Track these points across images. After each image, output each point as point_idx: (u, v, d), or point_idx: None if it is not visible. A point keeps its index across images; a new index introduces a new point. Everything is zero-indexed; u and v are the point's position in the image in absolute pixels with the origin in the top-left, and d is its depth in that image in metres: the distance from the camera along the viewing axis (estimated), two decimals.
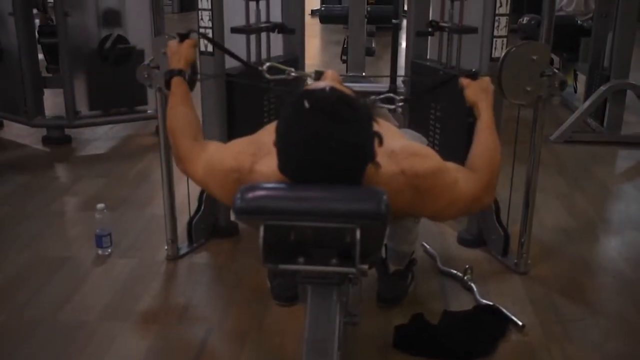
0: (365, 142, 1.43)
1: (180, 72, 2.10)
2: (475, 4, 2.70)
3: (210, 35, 2.64)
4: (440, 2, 2.98)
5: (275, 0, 3.06)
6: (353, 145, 1.40)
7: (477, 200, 1.84)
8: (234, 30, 2.81)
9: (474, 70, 2.22)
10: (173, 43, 2.20)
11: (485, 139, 1.98)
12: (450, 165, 1.80)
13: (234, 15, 2.80)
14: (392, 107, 2.37)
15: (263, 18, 2.95)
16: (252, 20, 2.88)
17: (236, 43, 2.79)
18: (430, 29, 3.01)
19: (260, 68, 2.37)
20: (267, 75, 2.34)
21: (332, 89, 1.46)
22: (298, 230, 1.35)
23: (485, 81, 2.14)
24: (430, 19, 3.07)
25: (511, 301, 2.44)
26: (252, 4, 2.86)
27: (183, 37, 2.19)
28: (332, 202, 1.36)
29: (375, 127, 1.45)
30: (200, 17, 2.66)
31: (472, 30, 2.75)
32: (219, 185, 1.73)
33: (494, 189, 1.92)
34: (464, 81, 2.13)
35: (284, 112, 1.47)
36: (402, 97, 2.43)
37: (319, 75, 2.10)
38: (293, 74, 2.32)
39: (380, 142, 1.43)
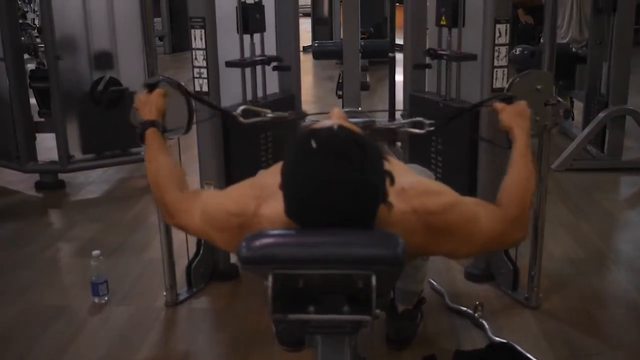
0: (377, 182, 1.36)
1: (153, 123, 1.95)
2: (473, 34, 2.67)
3: (205, 75, 2.60)
4: (437, 33, 2.94)
5: (270, 37, 3.02)
6: (364, 186, 1.33)
7: (503, 236, 1.69)
8: (229, 64, 2.76)
9: (509, 94, 2.13)
10: (141, 94, 2.06)
11: (518, 169, 1.79)
12: (468, 200, 1.67)
13: (228, 52, 2.76)
14: (422, 131, 2.30)
15: (258, 52, 2.91)
16: (247, 55, 2.84)
17: (230, 77, 2.75)
18: (428, 59, 2.97)
19: (234, 113, 2.29)
20: (242, 120, 2.26)
21: (340, 127, 1.39)
22: (309, 278, 1.28)
23: (521, 105, 1.99)
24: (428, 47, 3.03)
25: (524, 337, 2.37)
26: (247, 40, 2.83)
27: (152, 87, 2.07)
28: (345, 248, 1.29)
29: (386, 166, 1.38)
30: (194, 57, 2.62)
31: (472, 57, 2.71)
32: (220, 231, 1.62)
33: (525, 225, 1.73)
34: (498, 105, 2.01)
35: (289, 153, 1.39)
36: (430, 121, 2.31)
37: (299, 114, 2.01)
38: (269, 115, 2.24)
39: (392, 181, 1.36)
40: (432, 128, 2.29)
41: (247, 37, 2.83)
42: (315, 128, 1.39)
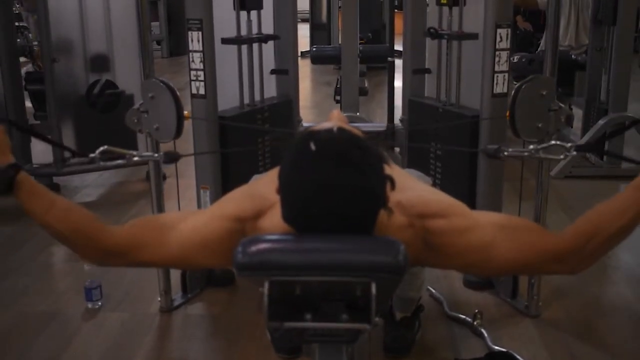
0: (377, 187, 1.31)
1: (17, 166, 1.54)
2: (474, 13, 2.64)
3: (202, 78, 2.57)
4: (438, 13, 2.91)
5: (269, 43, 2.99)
6: (364, 191, 1.29)
7: (530, 266, 1.50)
8: (225, 41, 2.72)
9: None
10: None
11: (617, 202, 1.45)
12: (485, 222, 1.48)
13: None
14: (561, 157, 2.13)
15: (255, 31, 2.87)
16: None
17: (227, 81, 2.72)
18: (428, 40, 2.92)
19: (92, 155, 2.04)
20: (101, 163, 1.99)
21: (340, 129, 1.35)
22: (306, 285, 1.24)
23: None
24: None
25: (524, 346, 2.34)
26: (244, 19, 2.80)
27: None
28: (345, 255, 1.25)
29: (387, 170, 1.34)
30: (191, 59, 2.59)
31: (473, 36, 2.67)
32: (217, 254, 1.47)
33: (576, 264, 1.45)
34: None
35: (288, 156, 1.34)
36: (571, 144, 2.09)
37: (169, 157, 1.87)
38: (136, 158, 1.95)
39: (393, 186, 1.32)
40: (574, 152, 2.07)
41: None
42: (315, 130, 1.35)
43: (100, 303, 2.67)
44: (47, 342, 2.44)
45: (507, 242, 1.45)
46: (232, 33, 2.77)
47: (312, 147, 1.29)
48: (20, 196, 1.54)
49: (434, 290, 2.68)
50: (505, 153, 2.17)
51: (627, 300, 2.71)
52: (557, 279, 2.81)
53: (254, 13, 2.83)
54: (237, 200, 1.54)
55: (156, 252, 1.52)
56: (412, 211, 1.43)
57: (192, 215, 1.57)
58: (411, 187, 1.52)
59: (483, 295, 2.70)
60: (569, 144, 2.06)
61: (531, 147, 2.11)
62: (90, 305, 2.66)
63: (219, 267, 1.49)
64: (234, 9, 2.75)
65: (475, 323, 2.42)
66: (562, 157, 2.11)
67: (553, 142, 2.14)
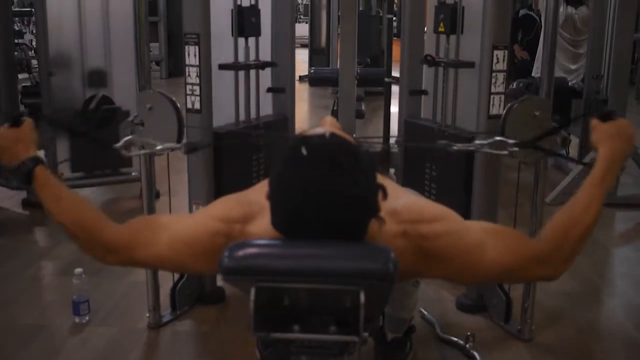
0: (369, 194, 1.29)
1: (39, 160, 1.62)
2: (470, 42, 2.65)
3: (198, 92, 2.56)
4: (435, 40, 2.91)
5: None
6: (355, 198, 1.27)
7: (519, 271, 1.51)
8: (222, 66, 2.72)
9: (609, 109, 1.83)
10: (6, 131, 1.66)
11: (580, 200, 1.52)
12: (475, 228, 1.52)
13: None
14: (505, 152, 2.20)
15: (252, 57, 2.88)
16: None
17: (223, 97, 2.72)
18: (425, 67, 2.92)
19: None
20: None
21: (333, 135, 1.33)
22: (294, 293, 1.21)
23: (618, 125, 1.61)
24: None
25: None
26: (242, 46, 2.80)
27: (16, 121, 1.67)
28: (333, 261, 1.22)
29: (379, 180, 1.32)
30: (187, 74, 2.59)
31: (469, 65, 2.67)
32: (201, 256, 1.47)
33: (558, 265, 1.49)
34: (592, 122, 1.64)
35: (279, 161, 1.33)
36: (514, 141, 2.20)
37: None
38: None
39: (385, 195, 1.30)
40: (515, 148, 2.18)
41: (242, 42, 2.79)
42: (307, 135, 1.34)
43: (87, 317, 2.63)
44: (33, 355, 2.39)
45: (496, 245, 1.49)
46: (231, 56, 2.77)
47: (304, 151, 1.27)
48: (35, 187, 1.61)
49: (426, 312, 2.64)
50: (455, 148, 2.29)
51: (622, 326, 2.68)
52: (551, 304, 2.78)
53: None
54: (225, 203, 1.56)
55: (148, 251, 1.54)
56: (408, 217, 1.44)
57: (185, 217, 1.62)
58: (405, 197, 1.51)
59: (476, 318, 2.67)
60: (512, 141, 2.16)
61: (477, 142, 2.24)
62: (77, 320, 2.62)
63: (207, 273, 1.51)
64: (232, 35, 2.75)
65: (467, 346, 2.38)
66: (506, 152, 2.23)
67: (497, 137, 2.23)
